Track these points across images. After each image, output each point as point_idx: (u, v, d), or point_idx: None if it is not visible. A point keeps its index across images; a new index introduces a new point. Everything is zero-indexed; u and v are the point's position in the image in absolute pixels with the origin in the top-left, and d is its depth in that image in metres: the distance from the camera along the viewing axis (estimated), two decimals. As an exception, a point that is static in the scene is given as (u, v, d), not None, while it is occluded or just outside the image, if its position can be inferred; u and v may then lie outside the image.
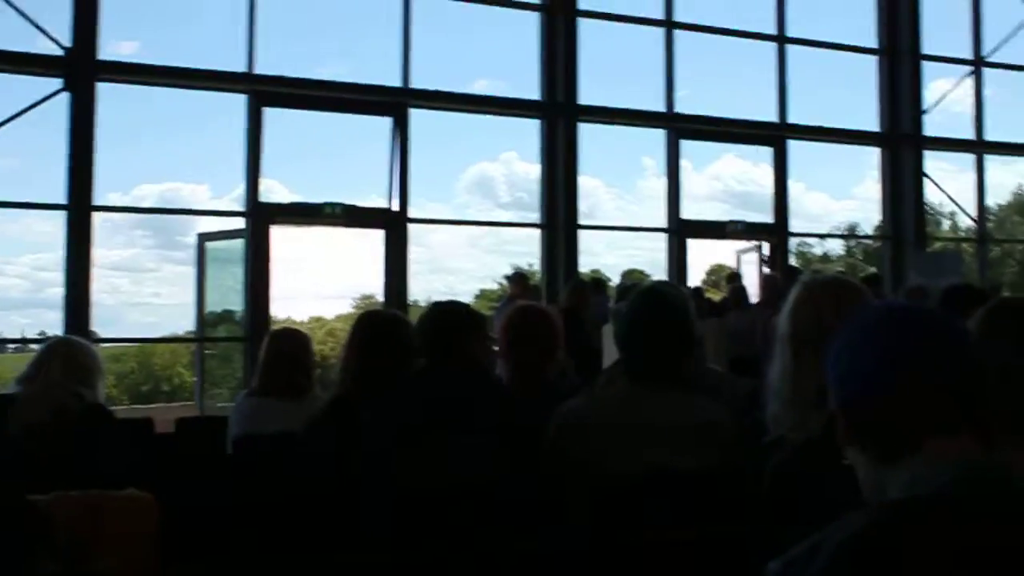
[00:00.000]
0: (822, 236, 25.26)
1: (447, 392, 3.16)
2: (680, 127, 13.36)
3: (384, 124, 11.80)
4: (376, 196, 11.96)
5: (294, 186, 19.14)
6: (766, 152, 14.14)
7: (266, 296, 11.05)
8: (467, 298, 22.25)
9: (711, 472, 2.88)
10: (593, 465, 2.96)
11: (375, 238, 11.80)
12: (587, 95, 12.71)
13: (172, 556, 2.73)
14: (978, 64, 15.32)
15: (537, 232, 12.63)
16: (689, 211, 13.63)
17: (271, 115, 11.22)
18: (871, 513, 1.31)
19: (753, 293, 11.30)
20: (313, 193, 12.08)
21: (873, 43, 14.91)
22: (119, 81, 10.69)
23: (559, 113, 12.47)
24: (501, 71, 18.05)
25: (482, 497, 2.93)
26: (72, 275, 9.81)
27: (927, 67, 14.95)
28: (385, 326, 3.84)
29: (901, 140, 14.60)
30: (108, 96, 10.46)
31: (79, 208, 9.90)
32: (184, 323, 11.67)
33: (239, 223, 11.10)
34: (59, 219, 9.92)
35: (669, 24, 13.35)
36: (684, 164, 13.61)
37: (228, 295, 11.40)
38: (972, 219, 15.91)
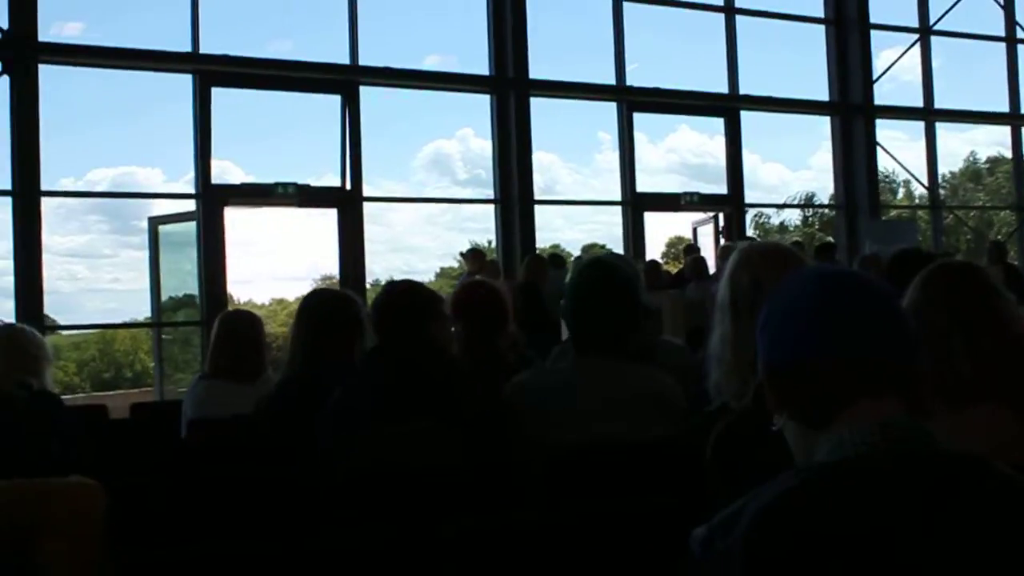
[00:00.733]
0: (776, 206, 25.52)
1: (399, 377, 3.13)
2: (632, 100, 13.37)
3: (336, 102, 11.74)
4: (331, 175, 11.93)
5: (249, 167, 18.98)
6: (721, 124, 14.20)
7: (222, 278, 10.98)
8: (428, 276, 22.24)
9: (659, 443, 2.89)
10: (542, 437, 2.96)
11: (331, 217, 11.77)
12: (538, 69, 12.71)
13: (120, 541, 2.71)
14: (925, 32, 15.42)
15: (494, 208, 12.63)
16: (646, 184, 13.69)
17: (223, 96, 11.15)
18: (790, 478, 1.31)
19: (712, 265, 11.34)
20: (268, 173, 11.97)
21: (821, 13, 14.98)
22: (61, 63, 10.53)
23: (510, 88, 12.44)
24: (452, 47, 18.01)
25: (434, 479, 2.92)
26: (22, 262, 9.68)
27: (877, 36, 15.07)
28: (332, 305, 3.83)
29: (852, 109, 14.70)
30: (55, 79, 10.35)
31: (26, 194, 9.75)
32: (145, 308, 11.54)
33: (192, 206, 11.01)
34: (6, 205, 9.77)
35: (617, -4, 13.33)
36: (639, 137, 13.65)
37: (186, 279, 11.28)
38: (924, 187, 16.05)
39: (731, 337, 2.34)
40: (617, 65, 13.31)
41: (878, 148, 14.85)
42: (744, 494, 1.33)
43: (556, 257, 11.87)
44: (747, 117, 14.39)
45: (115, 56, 10.73)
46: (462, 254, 11.40)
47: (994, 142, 25.47)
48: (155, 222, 11.34)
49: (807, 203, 23.06)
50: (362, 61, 11.81)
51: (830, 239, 16.08)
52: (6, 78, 9.83)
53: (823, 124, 15.18)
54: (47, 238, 9.96)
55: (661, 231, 20.41)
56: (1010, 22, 16.03)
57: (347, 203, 11.64)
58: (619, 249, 13.18)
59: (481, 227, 12.95)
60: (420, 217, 30.47)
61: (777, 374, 1.47)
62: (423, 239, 35.05)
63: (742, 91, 14.10)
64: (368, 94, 11.99)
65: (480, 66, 12.66)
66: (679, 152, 26.23)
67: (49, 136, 9.95)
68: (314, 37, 19.89)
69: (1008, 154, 17.22)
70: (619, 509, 2.62)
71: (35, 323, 6.96)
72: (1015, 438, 2.26)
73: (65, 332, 16.94)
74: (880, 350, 1.40)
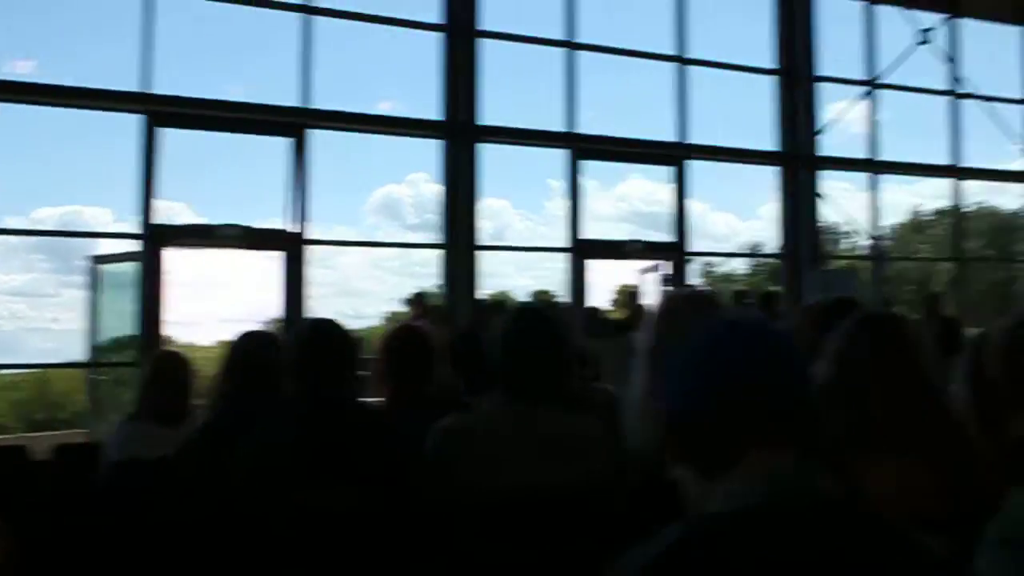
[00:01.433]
0: (720, 255, 25.66)
1: (309, 429, 3.09)
2: (581, 147, 13.48)
3: (286, 145, 11.74)
4: (280, 217, 11.86)
5: (200, 208, 18.89)
6: (670, 172, 14.31)
7: (160, 320, 10.87)
8: (375, 320, 22.09)
9: (584, 488, 2.87)
10: (465, 483, 2.93)
11: (277, 260, 11.69)
12: (489, 115, 12.78)
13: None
14: (871, 85, 15.70)
15: (439, 253, 12.62)
16: (597, 232, 13.76)
17: (174, 136, 11.09)
18: (677, 530, 1.30)
19: (656, 312, 11.33)
20: (218, 214, 11.89)
21: (770, 64, 15.22)
22: (11, 100, 10.49)
23: (460, 133, 12.49)
24: (404, 92, 18.00)
25: (350, 523, 2.88)
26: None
27: (827, 89, 15.33)
28: (256, 346, 3.78)
29: (797, 160, 14.90)
30: (5, 116, 10.30)
31: (-33, 233, 9.59)
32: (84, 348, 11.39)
33: (137, 245, 10.92)
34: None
35: (570, 45, 13.48)
36: (592, 184, 13.73)
37: (128, 320, 11.14)
38: (867, 237, 16.25)
39: (648, 384, 2.33)
40: (567, 113, 13.42)
41: (823, 198, 14.97)
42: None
43: (499, 304, 11.85)
44: (699, 167, 14.55)
45: (64, 95, 10.66)
46: (406, 300, 11.34)
47: (938, 194, 25.90)
48: (96, 261, 11.21)
49: (750, 252, 23.24)
50: (313, 104, 11.82)
51: (775, 288, 16.22)
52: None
53: (770, 174, 15.32)
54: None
55: (611, 279, 20.50)
56: (953, 77, 16.34)
57: (291, 245, 11.59)
58: (562, 296, 13.23)
59: (430, 272, 12.89)
60: (369, 261, 30.39)
61: (673, 422, 1.46)
62: (371, 283, 34.94)
63: (691, 140, 14.25)
64: (320, 137, 11.99)
65: (431, 111, 12.69)
66: (630, 200, 26.36)
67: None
68: (265, 79, 19.87)
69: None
70: (539, 557, 2.60)
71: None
72: (926, 490, 2.27)
73: (2, 372, 16.66)
74: (772, 400, 1.40)
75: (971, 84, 16.39)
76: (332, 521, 2.84)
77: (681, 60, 14.31)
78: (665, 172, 14.43)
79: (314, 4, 11.97)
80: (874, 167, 15.82)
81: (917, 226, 32.34)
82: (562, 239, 13.51)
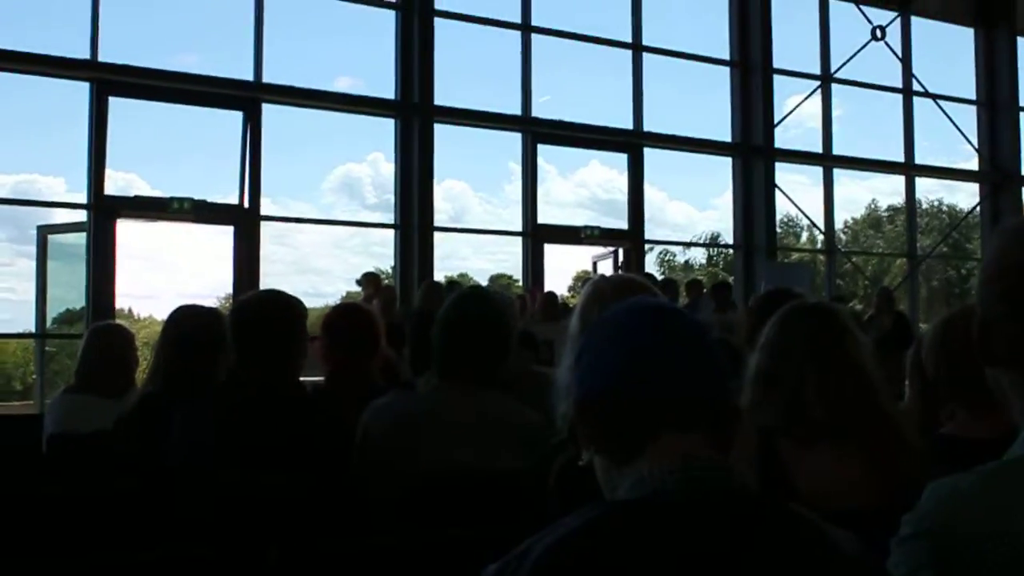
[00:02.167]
0: (675, 244, 25.84)
1: (245, 412, 3.05)
2: (537, 131, 13.48)
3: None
4: (234, 192, 11.79)
5: (154, 180, 18.64)
6: (627, 160, 14.35)
7: (111, 291, 10.78)
8: (333, 299, 21.97)
9: (509, 472, 2.86)
10: (398, 462, 2.92)
11: (231, 235, 11.60)
12: (444, 96, 12.72)
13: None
14: (826, 79, 15.81)
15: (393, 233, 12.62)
16: (555, 217, 13.79)
17: (126, 107, 11.00)
18: (581, 515, 1.29)
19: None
20: (172, 187, 11.77)
21: (727, 55, 15.27)
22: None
23: (414, 113, 12.44)
24: (364, 70, 17.91)
25: (285, 500, 2.86)
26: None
27: (781, 81, 15.39)
28: (196, 322, 3.74)
29: (752, 152, 14.97)
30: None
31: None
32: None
33: (87, 216, 10.81)
34: None
35: (526, 28, 13.45)
36: (550, 170, 13.75)
37: (79, 291, 11.01)
38: (820, 231, 16.38)
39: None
40: (524, 96, 13.41)
41: (778, 191, 15.09)
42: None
43: (453, 285, 11.83)
44: (657, 155, 14.64)
45: (10, 59, 10.45)
46: (357, 281, 11.28)
47: (894, 191, 26.16)
48: (44, 231, 11.07)
49: (707, 242, 23.37)
50: (271, 79, 11.75)
51: (727, 279, 16.33)
52: None
53: (728, 165, 15.38)
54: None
55: (569, 264, 20.56)
56: (907, 74, 16.49)
57: (244, 221, 11.50)
58: (519, 279, 13.23)
59: (389, 252, 12.86)
60: (327, 240, 30.23)
61: (583, 408, 1.45)
62: (330, 262, 34.84)
63: (647, 128, 14.28)
64: (278, 113, 11.95)
65: (387, 90, 12.64)
66: (588, 186, 26.40)
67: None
68: (220, 52, 19.68)
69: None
70: (461, 537, 2.59)
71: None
72: (859, 481, 2.28)
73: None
74: (684, 386, 1.39)
75: (925, 83, 16.55)
76: (260, 501, 2.81)
77: (637, 47, 14.32)
78: (622, 159, 14.48)
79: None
80: (828, 161, 15.93)
81: (873, 222, 32.68)
82: (519, 222, 13.52)
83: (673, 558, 1.23)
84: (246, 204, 11.57)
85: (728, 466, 1.36)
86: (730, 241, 15.69)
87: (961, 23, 17.29)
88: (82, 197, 10.90)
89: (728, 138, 15.17)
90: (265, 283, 11.70)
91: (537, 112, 13.56)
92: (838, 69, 15.84)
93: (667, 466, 1.33)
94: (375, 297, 10.41)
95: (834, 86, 15.93)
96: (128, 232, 11.30)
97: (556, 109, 13.91)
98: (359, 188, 29.19)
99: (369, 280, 11.03)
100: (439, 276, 12.69)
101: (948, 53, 18.06)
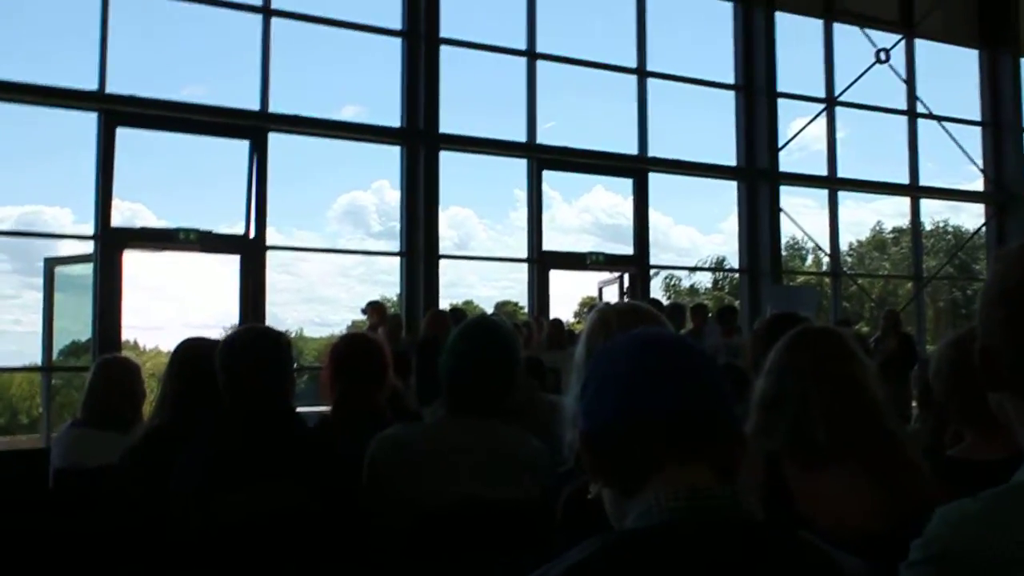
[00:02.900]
0: (680, 268, 25.83)
1: (239, 442, 3.05)
2: (542, 157, 13.51)
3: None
4: (241, 222, 11.80)
5: (160, 211, 18.76)
6: (632, 185, 14.37)
7: (117, 323, 10.77)
8: (339, 327, 21.98)
9: (516, 503, 2.85)
10: (405, 494, 2.91)
11: (237, 265, 11.61)
12: (449, 123, 12.76)
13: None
14: (830, 103, 15.85)
15: (399, 261, 12.64)
16: (560, 243, 13.79)
17: (133, 138, 11.03)
18: (589, 546, 1.29)
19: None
20: (178, 218, 11.85)
21: (731, 79, 15.33)
22: (-36, 97, 10.34)
23: (420, 141, 12.48)
24: (370, 98, 18.00)
25: (289, 534, 2.85)
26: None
27: (788, 105, 15.44)
28: (201, 354, 3.73)
29: (757, 175, 14.99)
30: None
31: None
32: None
33: (94, 247, 10.83)
34: None
35: (531, 55, 13.52)
36: (555, 196, 13.78)
37: (86, 323, 11.00)
38: (826, 254, 16.38)
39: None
40: (529, 122, 13.46)
41: (783, 214, 15.10)
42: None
43: (458, 313, 11.83)
44: (662, 180, 14.67)
45: (19, 91, 10.52)
46: (362, 310, 11.28)
47: (899, 213, 26.18)
48: (51, 263, 11.08)
49: (712, 266, 23.38)
50: (277, 109, 11.80)
51: (733, 303, 16.32)
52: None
53: (733, 189, 15.39)
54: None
55: (574, 290, 20.61)
56: (911, 96, 16.53)
57: (250, 251, 11.52)
58: (525, 306, 13.23)
59: (394, 280, 12.88)
60: (333, 268, 30.37)
61: (589, 440, 1.45)
62: (335, 290, 34.89)
63: (651, 153, 14.32)
64: (283, 142, 11.98)
65: (393, 118, 12.69)
66: (593, 212, 26.46)
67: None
68: (227, 82, 19.78)
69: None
70: (469, 569, 2.59)
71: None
72: (866, 504, 2.27)
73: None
74: (688, 416, 1.38)
75: (930, 105, 16.59)
76: (263, 531, 2.80)
77: (641, 73, 14.38)
78: (627, 184, 14.51)
79: (276, 7, 11.93)
80: (833, 184, 15.96)
81: (879, 244, 32.66)
82: (524, 249, 13.54)
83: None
84: (252, 234, 11.58)
85: (735, 495, 1.36)
86: (735, 265, 15.69)
87: (965, 45, 17.32)
88: (89, 228, 10.93)
89: (733, 162, 15.19)
90: (271, 313, 11.73)
91: (542, 138, 13.60)
92: (842, 92, 15.89)
93: (674, 496, 1.32)
94: (380, 325, 10.43)
95: (838, 109, 15.97)
96: (135, 263, 11.33)
97: (561, 135, 13.97)
98: (364, 216, 29.30)
99: (374, 308, 11.03)
100: (445, 303, 12.72)
101: (952, 75, 18.15)
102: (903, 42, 16.47)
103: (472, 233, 24.63)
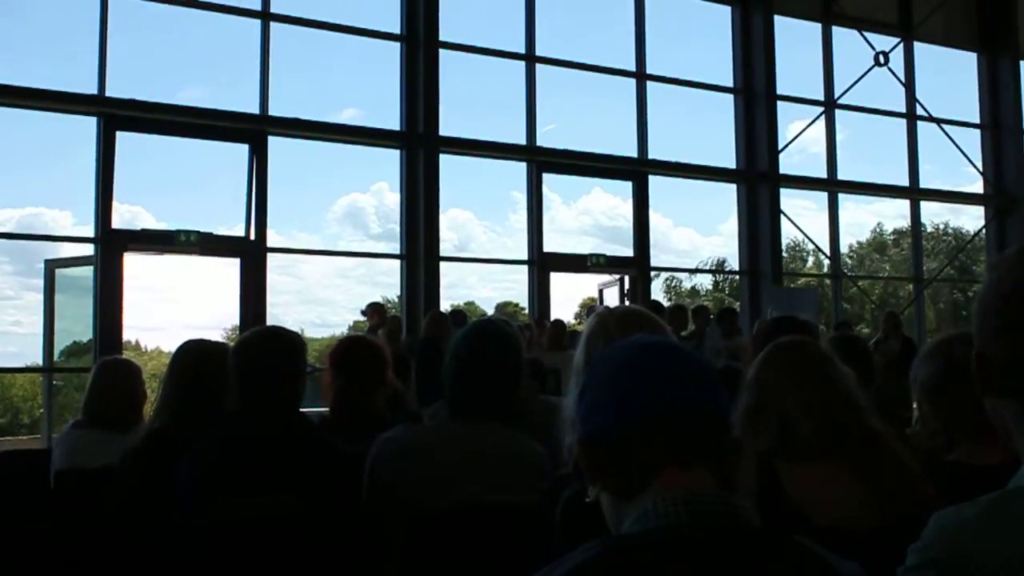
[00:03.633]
0: (680, 270, 25.83)
1: (247, 445, 3.05)
2: (542, 160, 13.54)
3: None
4: (240, 224, 11.84)
5: (160, 213, 18.77)
6: (631, 187, 14.39)
7: (118, 324, 10.80)
8: (340, 329, 21.98)
9: (522, 507, 2.86)
10: (405, 496, 2.91)
11: (237, 267, 11.64)
12: (449, 127, 12.79)
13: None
14: (829, 105, 15.87)
15: (399, 263, 12.67)
16: (560, 245, 13.80)
17: (133, 140, 11.07)
18: (587, 550, 1.30)
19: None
20: (178, 220, 11.86)
21: (730, 82, 15.35)
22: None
23: (419, 144, 12.50)
24: (369, 101, 18.03)
25: (290, 538, 2.86)
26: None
27: (788, 108, 15.47)
28: (202, 356, 3.74)
29: (757, 178, 14.99)
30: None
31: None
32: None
33: (94, 250, 10.86)
34: None
35: (531, 58, 13.54)
36: (554, 198, 13.78)
37: (87, 324, 11.03)
38: (826, 255, 16.38)
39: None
40: (529, 125, 13.48)
41: (783, 217, 15.11)
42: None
43: (458, 314, 11.84)
44: (661, 182, 14.70)
45: (18, 95, 10.55)
46: (362, 311, 11.29)
47: (899, 215, 26.18)
48: (52, 265, 11.11)
49: (712, 268, 23.38)
50: (277, 112, 11.84)
51: (733, 305, 16.32)
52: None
53: (732, 191, 15.41)
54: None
55: (575, 292, 20.62)
56: (911, 99, 16.55)
57: (250, 253, 11.54)
58: (526, 308, 13.24)
59: (394, 282, 12.90)
60: (333, 270, 30.37)
61: (588, 444, 1.46)
62: (335, 292, 34.95)
63: (651, 156, 14.34)
64: (282, 145, 12.01)
65: (392, 121, 12.71)
66: (592, 214, 26.47)
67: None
68: (226, 86, 19.80)
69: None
70: (469, 572, 2.59)
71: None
72: (858, 500, 2.31)
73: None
74: (686, 421, 1.40)
75: (929, 107, 16.60)
76: (265, 533, 2.81)
77: (641, 76, 14.40)
78: (626, 186, 14.53)
79: (275, 11, 11.98)
80: (833, 186, 15.98)
81: (879, 246, 32.64)
82: (524, 251, 13.56)
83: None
84: (252, 236, 11.61)
85: (732, 499, 1.37)
86: (736, 267, 15.70)
87: (964, 48, 17.34)
88: (89, 230, 10.95)
89: (733, 164, 15.21)
90: (271, 314, 11.75)
91: (542, 141, 13.63)
92: (842, 95, 15.90)
93: (672, 500, 1.33)
94: (380, 327, 10.45)
95: (838, 112, 15.99)
96: (135, 265, 11.37)
97: (561, 138, 13.99)
98: (363, 218, 29.31)
99: (375, 310, 11.05)
100: (445, 305, 12.74)
101: (951, 77, 18.15)
102: (902, 45, 16.49)
103: (471, 235, 24.64)
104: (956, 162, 17.15)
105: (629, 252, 14.37)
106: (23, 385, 24.96)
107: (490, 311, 17.22)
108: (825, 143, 16.03)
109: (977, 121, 17.44)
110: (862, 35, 16.13)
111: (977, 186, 17.60)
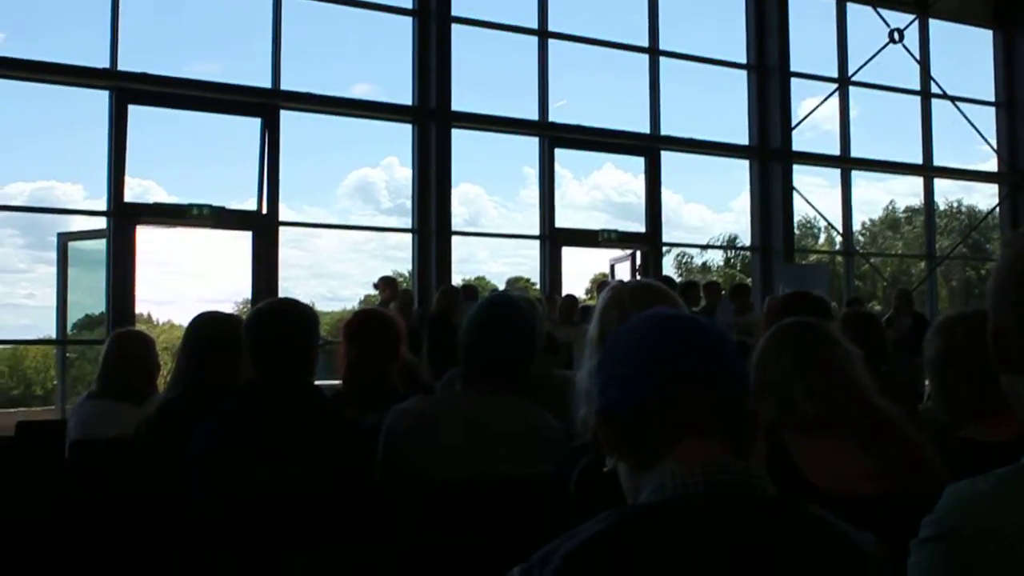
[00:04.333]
0: (692, 246, 25.75)
1: (262, 415, 3.07)
2: (554, 135, 13.51)
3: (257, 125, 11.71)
4: (252, 198, 11.86)
5: (172, 187, 18.78)
6: (643, 163, 14.36)
7: (131, 297, 10.85)
8: (351, 303, 22.01)
9: (535, 478, 2.87)
10: (420, 467, 2.93)
11: (249, 241, 11.67)
12: (461, 101, 12.76)
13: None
14: (843, 82, 15.78)
15: (411, 237, 12.69)
16: (570, 220, 13.79)
17: (145, 114, 11.08)
18: (608, 518, 1.31)
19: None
20: (191, 194, 11.90)
21: (743, 59, 15.27)
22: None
23: (431, 118, 12.49)
24: (382, 75, 17.98)
25: (303, 509, 2.88)
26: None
27: (798, 84, 15.39)
28: (217, 328, 3.76)
29: (770, 154, 14.94)
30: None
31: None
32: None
33: (106, 223, 10.89)
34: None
35: (543, 33, 13.48)
36: (565, 173, 13.75)
37: (100, 297, 11.08)
38: (838, 232, 16.35)
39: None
40: (541, 100, 13.45)
41: (796, 193, 15.07)
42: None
43: (469, 288, 11.85)
44: (673, 158, 14.66)
45: (30, 69, 10.56)
46: (374, 284, 11.32)
47: (912, 192, 26.06)
48: (64, 238, 11.15)
49: (724, 244, 23.33)
50: (288, 86, 11.83)
51: (745, 281, 16.31)
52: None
53: (744, 167, 15.37)
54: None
55: (586, 267, 20.58)
56: (925, 77, 16.46)
57: (262, 227, 11.56)
58: (537, 283, 13.24)
59: (405, 256, 12.92)
60: (344, 244, 30.36)
61: (606, 414, 1.47)
62: (347, 266, 34.96)
63: (664, 132, 14.30)
64: (293, 119, 12.01)
65: (404, 96, 12.69)
66: (603, 189, 26.37)
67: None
68: (238, 60, 19.78)
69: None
70: (483, 542, 2.61)
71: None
72: (865, 471, 2.32)
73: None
74: (703, 392, 1.41)
75: (944, 85, 16.51)
76: (278, 504, 2.83)
77: (653, 52, 14.34)
78: (637, 162, 14.50)
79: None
80: (846, 163, 15.93)
81: (891, 223, 32.51)
82: (534, 226, 13.57)
83: (696, 561, 1.25)
84: (264, 210, 11.62)
85: (749, 469, 1.38)
86: (748, 243, 15.68)
87: (979, 24, 17.24)
88: (101, 204, 10.98)
89: (745, 141, 15.15)
90: (283, 288, 11.78)
91: (554, 117, 13.59)
92: (856, 72, 15.82)
93: (689, 470, 1.34)
94: (392, 300, 10.46)
95: (851, 89, 15.90)
96: (147, 238, 11.41)
97: (573, 113, 13.96)
98: (374, 192, 29.24)
99: (386, 283, 11.07)
100: (456, 279, 12.74)
101: (966, 55, 18.05)
102: (917, 22, 16.38)
103: (482, 210, 24.57)
104: (970, 140, 17.11)
105: (640, 228, 14.35)
106: (36, 357, 25.07)
107: (501, 286, 17.22)
108: (838, 120, 15.95)
109: (992, 99, 17.33)
110: (877, 12, 16.03)
111: (991, 164, 17.53)
